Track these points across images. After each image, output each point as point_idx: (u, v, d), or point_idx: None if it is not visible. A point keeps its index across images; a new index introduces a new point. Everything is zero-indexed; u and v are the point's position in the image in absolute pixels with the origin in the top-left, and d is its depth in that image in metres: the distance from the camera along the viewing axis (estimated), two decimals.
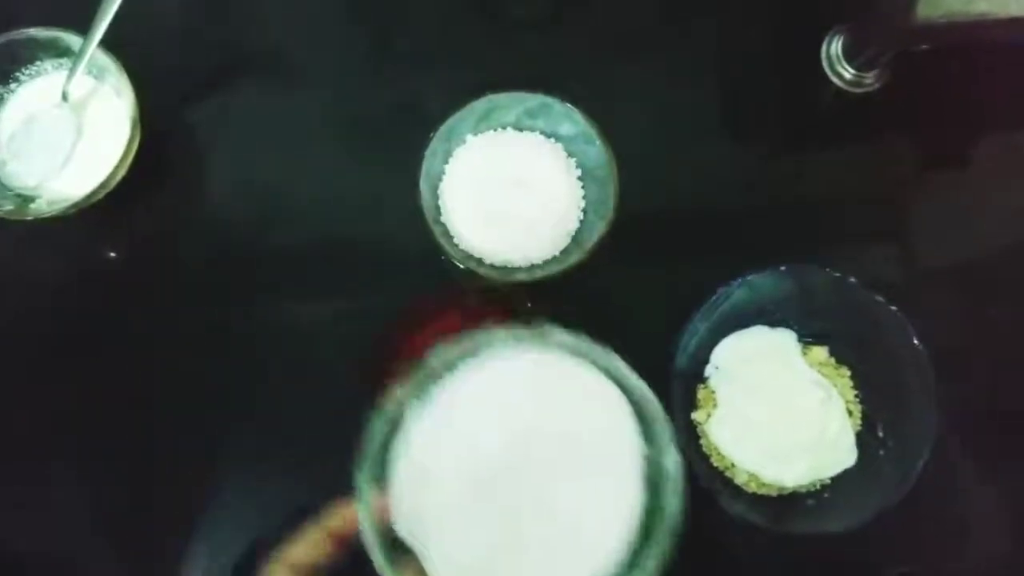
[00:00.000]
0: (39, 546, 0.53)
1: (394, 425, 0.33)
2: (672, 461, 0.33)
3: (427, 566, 0.32)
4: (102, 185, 0.52)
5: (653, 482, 0.34)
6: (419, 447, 0.33)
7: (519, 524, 0.32)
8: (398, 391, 0.33)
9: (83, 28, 0.53)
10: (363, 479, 0.33)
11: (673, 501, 0.33)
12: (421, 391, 0.33)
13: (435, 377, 0.33)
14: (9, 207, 0.53)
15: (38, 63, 0.56)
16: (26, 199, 0.54)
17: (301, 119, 0.59)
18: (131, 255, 0.58)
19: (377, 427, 0.33)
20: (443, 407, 0.33)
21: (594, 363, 0.34)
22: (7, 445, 0.55)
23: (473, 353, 0.34)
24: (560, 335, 0.34)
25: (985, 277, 0.57)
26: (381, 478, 0.33)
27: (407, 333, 0.52)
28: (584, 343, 0.34)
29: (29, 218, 0.52)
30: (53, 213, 0.52)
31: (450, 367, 0.34)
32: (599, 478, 0.33)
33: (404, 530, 0.33)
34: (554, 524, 0.32)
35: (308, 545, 0.35)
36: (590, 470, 0.33)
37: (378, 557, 0.32)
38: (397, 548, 0.33)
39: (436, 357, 0.33)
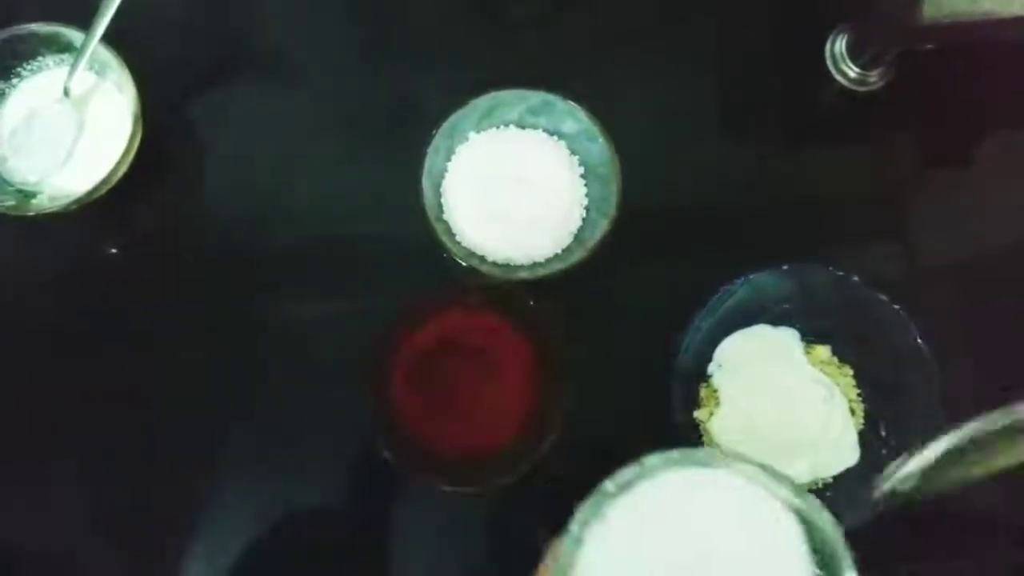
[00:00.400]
0: (37, 545, 0.53)
1: (578, 546, 0.33)
2: None
3: None
4: (103, 181, 0.52)
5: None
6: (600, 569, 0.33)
7: None
8: (578, 514, 0.33)
9: (85, 24, 0.53)
10: None
11: None
12: (597, 512, 0.33)
13: (611, 497, 0.33)
14: (10, 203, 0.53)
15: (40, 59, 0.56)
16: (27, 195, 0.54)
17: (303, 116, 0.59)
18: (131, 252, 0.58)
19: (565, 548, 0.33)
20: (620, 529, 0.33)
21: (767, 489, 0.34)
22: (6, 443, 0.54)
23: (649, 474, 0.34)
24: (737, 464, 0.34)
25: (988, 275, 0.57)
26: None
27: (408, 332, 0.51)
28: (761, 471, 0.33)
29: (30, 214, 0.52)
30: (54, 209, 0.51)
31: (625, 487, 0.33)
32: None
33: None
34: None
35: None
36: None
37: None
38: None
39: (612, 479, 0.33)
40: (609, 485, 0.33)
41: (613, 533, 0.33)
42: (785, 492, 0.33)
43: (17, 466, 0.54)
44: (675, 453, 0.33)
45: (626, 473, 0.33)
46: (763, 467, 0.33)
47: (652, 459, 0.33)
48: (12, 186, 0.54)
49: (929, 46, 0.53)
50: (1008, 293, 0.56)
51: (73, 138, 0.55)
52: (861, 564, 0.50)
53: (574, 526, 0.33)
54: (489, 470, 0.49)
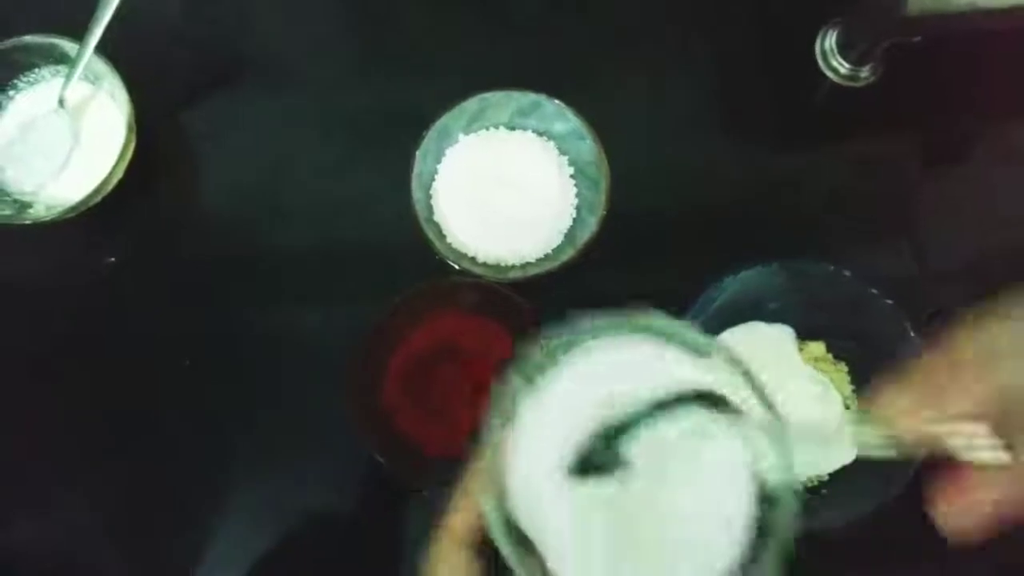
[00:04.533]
0: (38, 549, 0.54)
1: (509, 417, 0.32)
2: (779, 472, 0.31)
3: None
4: (98, 189, 0.52)
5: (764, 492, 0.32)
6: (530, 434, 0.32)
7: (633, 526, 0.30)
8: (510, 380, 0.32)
9: (79, 35, 0.53)
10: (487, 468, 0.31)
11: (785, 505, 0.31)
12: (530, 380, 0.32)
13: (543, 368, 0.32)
14: (7, 212, 0.54)
15: (35, 70, 0.56)
16: (24, 204, 0.55)
17: (294, 120, 0.59)
18: (127, 258, 0.58)
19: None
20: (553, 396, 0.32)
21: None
22: (7, 447, 0.55)
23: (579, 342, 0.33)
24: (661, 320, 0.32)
25: (981, 270, 0.56)
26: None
27: (400, 333, 0.52)
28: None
29: (27, 223, 0.53)
30: (51, 217, 0.52)
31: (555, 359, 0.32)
32: (708, 480, 0.31)
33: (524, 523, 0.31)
34: (668, 526, 0.30)
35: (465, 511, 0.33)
36: (700, 475, 0.31)
37: (504, 546, 0.30)
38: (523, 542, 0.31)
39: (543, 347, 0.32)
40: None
41: (545, 400, 0.32)
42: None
43: (19, 471, 0.55)
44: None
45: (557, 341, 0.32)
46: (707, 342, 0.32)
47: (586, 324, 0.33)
48: (9, 196, 0.55)
49: (917, 39, 0.53)
50: (1003, 288, 0.56)
51: (68, 147, 0.55)
52: (860, 559, 0.50)
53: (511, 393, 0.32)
54: None
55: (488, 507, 0.31)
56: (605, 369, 0.32)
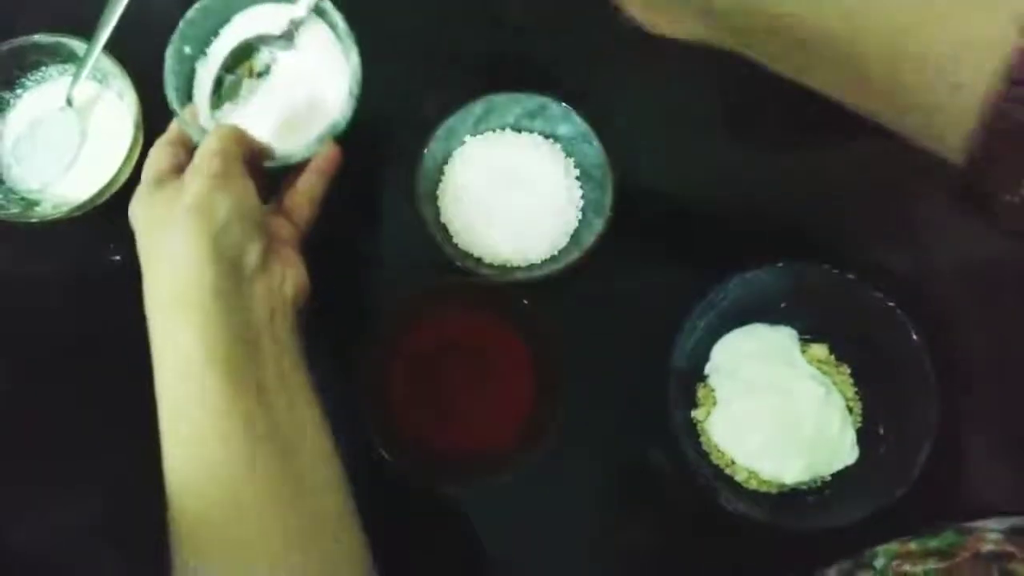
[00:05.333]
0: (38, 548, 0.54)
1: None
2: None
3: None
4: (106, 187, 0.52)
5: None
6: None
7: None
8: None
9: (86, 33, 0.53)
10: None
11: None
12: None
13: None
14: (15, 210, 0.54)
15: (43, 69, 0.56)
16: (31, 203, 0.55)
17: None
18: (134, 257, 0.58)
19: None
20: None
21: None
22: (10, 446, 0.55)
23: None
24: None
25: (985, 272, 0.56)
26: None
27: (406, 333, 0.52)
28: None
29: (34, 220, 0.53)
30: (58, 216, 0.52)
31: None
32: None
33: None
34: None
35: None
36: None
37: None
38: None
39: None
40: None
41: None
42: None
43: (19, 470, 0.55)
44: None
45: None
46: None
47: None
48: (16, 194, 0.55)
49: None
50: (1005, 289, 0.56)
51: (76, 146, 0.55)
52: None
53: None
54: (486, 469, 0.49)
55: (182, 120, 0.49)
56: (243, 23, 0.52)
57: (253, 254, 0.43)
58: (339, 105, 0.50)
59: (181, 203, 0.42)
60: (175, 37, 0.50)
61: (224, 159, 0.43)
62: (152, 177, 0.45)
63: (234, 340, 0.40)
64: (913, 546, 0.37)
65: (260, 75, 0.52)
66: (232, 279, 0.41)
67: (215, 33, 0.53)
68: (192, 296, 0.40)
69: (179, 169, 0.46)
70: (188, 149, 0.47)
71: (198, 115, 0.51)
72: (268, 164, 0.49)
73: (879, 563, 0.40)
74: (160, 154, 0.47)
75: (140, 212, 0.45)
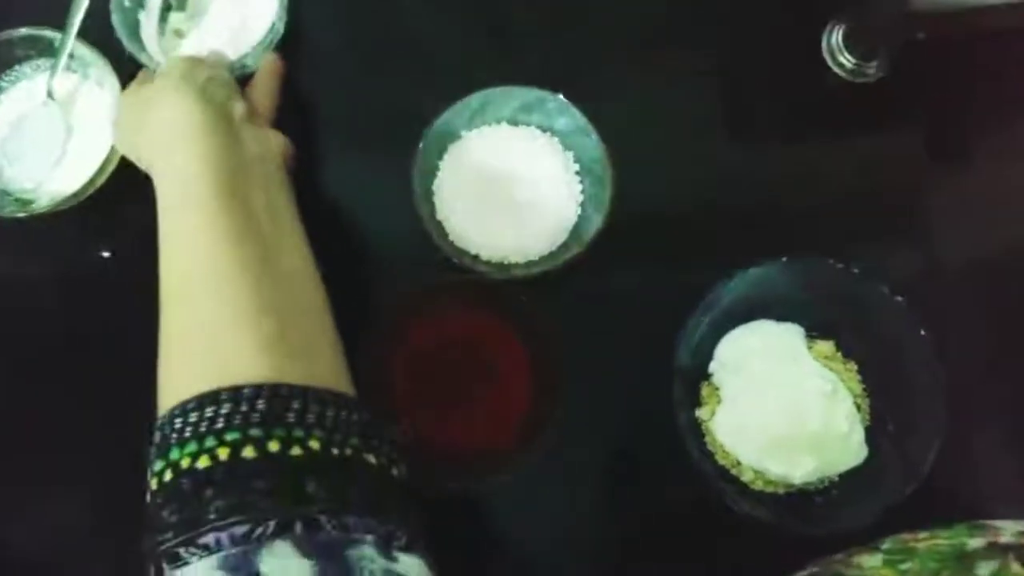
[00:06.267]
0: (37, 548, 0.52)
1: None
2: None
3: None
4: (96, 176, 0.52)
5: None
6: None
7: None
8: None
9: (59, 24, 0.53)
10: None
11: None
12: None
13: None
14: (10, 208, 0.53)
15: (19, 66, 0.56)
16: (25, 201, 0.54)
17: (294, 113, 0.58)
18: (125, 252, 0.57)
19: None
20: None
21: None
22: (3, 445, 0.54)
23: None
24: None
25: (991, 267, 0.56)
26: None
27: (404, 331, 0.51)
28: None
29: (23, 216, 0.52)
30: (49, 209, 0.51)
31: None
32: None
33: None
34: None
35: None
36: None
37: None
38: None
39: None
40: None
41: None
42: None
43: (13, 469, 0.53)
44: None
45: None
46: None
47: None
48: (11, 195, 0.54)
49: (922, 36, 0.53)
50: (1012, 285, 0.55)
51: (63, 139, 0.55)
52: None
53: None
54: (485, 468, 0.48)
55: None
56: None
57: (239, 107, 0.49)
58: (273, 8, 0.56)
59: (165, 77, 0.48)
60: None
61: (191, 57, 0.51)
62: (137, 79, 0.53)
63: (225, 161, 0.45)
64: (923, 535, 0.37)
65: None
66: (223, 120, 0.47)
67: None
68: (187, 130, 0.45)
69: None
70: None
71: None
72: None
73: (885, 546, 0.39)
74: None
75: (130, 98, 0.50)
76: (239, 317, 0.40)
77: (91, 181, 0.52)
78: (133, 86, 0.52)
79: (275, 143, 0.50)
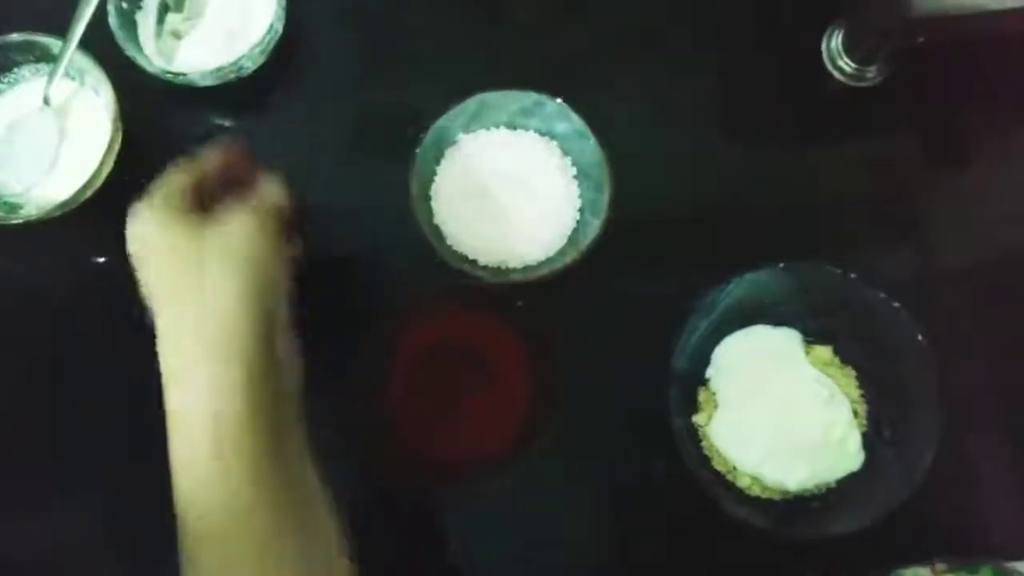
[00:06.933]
0: (37, 548, 0.52)
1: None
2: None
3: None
4: (87, 184, 0.51)
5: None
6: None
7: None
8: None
9: (56, 30, 0.52)
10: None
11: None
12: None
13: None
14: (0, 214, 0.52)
15: (15, 70, 0.55)
16: (14, 206, 0.54)
17: (290, 119, 0.58)
18: (119, 257, 0.56)
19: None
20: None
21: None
22: (1, 450, 0.54)
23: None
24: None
25: (990, 273, 0.56)
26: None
27: (402, 336, 0.51)
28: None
29: (17, 222, 0.51)
30: (41, 216, 0.51)
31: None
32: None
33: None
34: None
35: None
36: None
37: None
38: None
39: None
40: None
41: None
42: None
43: (14, 473, 0.53)
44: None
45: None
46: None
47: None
48: (0, 198, 0.54)
49: (922, 40, 0.53)
50: (1010, 290, 0.55)
51: (55, 145, 0.54)
52: (868, 566, 0.49)
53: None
54: (483, 472, 0.48)
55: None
56: None
57: (284, 309, 0.38)
58: (271, 9, 0.55)
59: (223, 240, 0.36)
60: None
61: (271, 208, 0.39)
62: (166, 196, 0.39)
63: (271, 404, 0.35)
64: (942, 568, 0.36)
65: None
66: (269, 337, 0.36)
67: None
68: (233, 346, 0.35)
69: (196, 193, 0.40)
70: (206, 174, 0.41)
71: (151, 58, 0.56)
72: (224, 79, 0.55)
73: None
74: (178, 176, 0.40)
75: (155, 239, 0.38)
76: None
77: (83, 188, 0.51)
78: (163, 210, 0.38)
79: (296, 360, 0.40)
